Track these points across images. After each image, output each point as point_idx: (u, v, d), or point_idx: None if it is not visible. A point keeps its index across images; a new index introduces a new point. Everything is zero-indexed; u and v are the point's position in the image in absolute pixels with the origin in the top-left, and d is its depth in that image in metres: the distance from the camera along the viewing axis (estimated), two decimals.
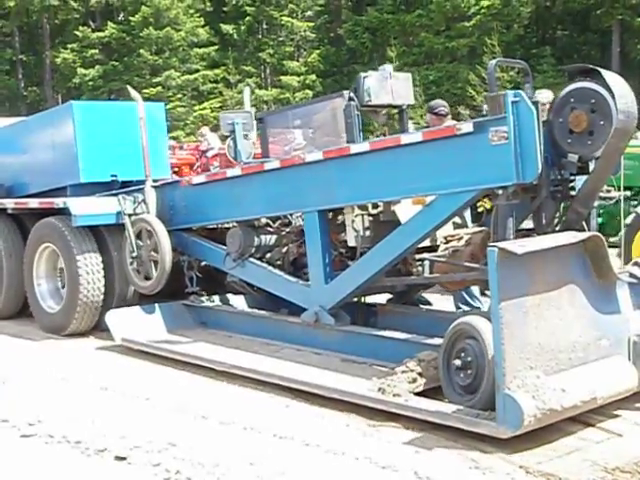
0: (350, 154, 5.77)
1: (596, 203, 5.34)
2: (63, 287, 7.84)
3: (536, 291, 4.42)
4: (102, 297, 7.55)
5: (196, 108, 42.68)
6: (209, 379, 5.71)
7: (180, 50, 42.42)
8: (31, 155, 8.93)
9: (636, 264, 5.18)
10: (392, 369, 5.05)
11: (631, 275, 5.01)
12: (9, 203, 8.50)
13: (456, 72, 39.68)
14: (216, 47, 43.58)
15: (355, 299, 6.46)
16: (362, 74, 6.14)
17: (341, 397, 4.97)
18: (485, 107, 5.59)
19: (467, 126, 5.08)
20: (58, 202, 7.72)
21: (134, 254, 7.24)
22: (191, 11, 42.77)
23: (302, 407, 5.06)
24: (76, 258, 7.43)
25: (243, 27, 44.58)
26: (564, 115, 4.95)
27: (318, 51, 44.92)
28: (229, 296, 7.62)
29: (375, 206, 6.20)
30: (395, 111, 6.68)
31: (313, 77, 43.06)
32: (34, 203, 8.18)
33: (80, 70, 42.13)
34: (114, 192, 7.72)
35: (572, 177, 5.17)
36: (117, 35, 42.64)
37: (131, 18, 41.77)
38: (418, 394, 4.83)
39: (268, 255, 6.94)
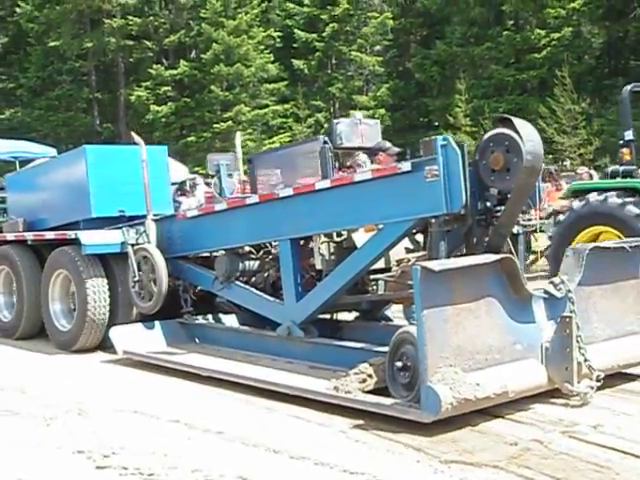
0: (315, 190, 6.62)
1: (520, 229, 6.37)
2: (74, 308, 8.66)
3: (456, 302, 5.15)
4: (107, 316, 8.38)
5: (266, 142, 43.11)
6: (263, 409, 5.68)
7: (250, 86, 43.02)
8: (49, 193, 9.82)
9: (552, 283, 5.88)
10: (347, 372, 5.81)
11: (545, 292, 5.77)
12: (29, 235, 9.46)
13: (526, 104, 39.34)
14: (286, 82, 44.08)
15: (328, 316, 7.38)
16: (334, 120, 7.08)
17: (302, 394, 5.84)
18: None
19: (406, 165, 5.91)
20: (70, 234, 8.63)
21: (136, 279, 8.06)
22: (261, 47, 43.39)
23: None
24: (85, 282, 8.32)
25: (313, 62, 45.03)
26: (486, 156, 5.82)
27: (387, 85, 45.09)
28: (221, 315, 8.48)
29: (339, 234, 7.04)
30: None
31: (382, 111, 43.18)
32: (50, 235, 9.11)
33: (153, 107, 43.02)
34: (120, 225, 8.56)
35: (495, 207, 5.93)
36: (189, 72, 43.48)
37: (203, 56, 42.55)
38: (370, 392, 5.58)
39: (253, 279, 7.77)
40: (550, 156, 33.19)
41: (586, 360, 5.58)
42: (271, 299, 7.32)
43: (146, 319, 8.22)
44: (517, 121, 5.80)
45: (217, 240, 7.80)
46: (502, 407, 5.36)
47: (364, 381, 5.68)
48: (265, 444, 4.83)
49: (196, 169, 37.23)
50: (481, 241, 6.06)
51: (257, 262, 7.79)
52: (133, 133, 8.85)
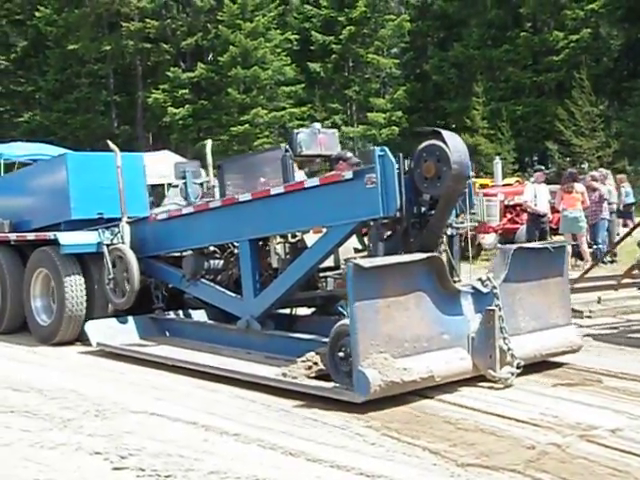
0: (270, 195, 7.24)
1: (454, 232, 6.90)
2: (54, 304, 9.19)
3: (386, 295, 5.72)
4: (84, 311, 8.96)
5: (283, 145, 43.06)
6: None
7: (267, 88, 43.09)
8: (33, 197, 10.40)
9: (480, 280, 6.44)
10: (295, 360, 6.39)
11: (473, 287, 6.37)
12: (12, 236, 10.01)
13: (544, 107, 39.25)
14: (303, 85, 44.12)
15: (287, 311, 8.02)
16: (295, 130, 7.69)
17: (254, 380, 6.43)
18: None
19: (349, 174, 6.55)
20: (50, 235, 9.19)
21: (110, 276, 8.65)
22: (278, 50, 43.45)
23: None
24: (63, 280, 8.91)
25: (329, 65, 45.09)
26: (420, 166, 6.38)
27: (404, 87, 45.09)
28: (191, 311, 9.06)
29: (294, 236, 7.69)
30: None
31: (399, 113, 43.20)
32: (31, 236, 9.69)
33: (170, 109, 43.16)
34: (97, 227, 9.10)
35: (428, 211, 6.58)
36: (206, 75, 43.61)
37: (220, 58, 42.67)
38: (316, 377, 6.16)
39: (219, 277, 8.34)
40: (568, 159, 33.06)
41: (509, 349, 6.21)
42: (232, 295, 7.91)
43: (120, 314, 8.83)
44: (446, 133, 6.41)
45: (184, 241, 8.43)
46: (519, 410, 5.38)
47: (310, 368, 6.28)
48: (283, 447, 4.83)
49: (213, 171, 37.41)
50: (416, 242, 6.57)
51: (221, 261, 8.37)
52: (109, 142, 9.47)
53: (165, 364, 7.30)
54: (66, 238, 8.97)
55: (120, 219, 8.80)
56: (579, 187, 15.01)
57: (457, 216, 7.06)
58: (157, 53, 46.03)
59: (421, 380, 5.77)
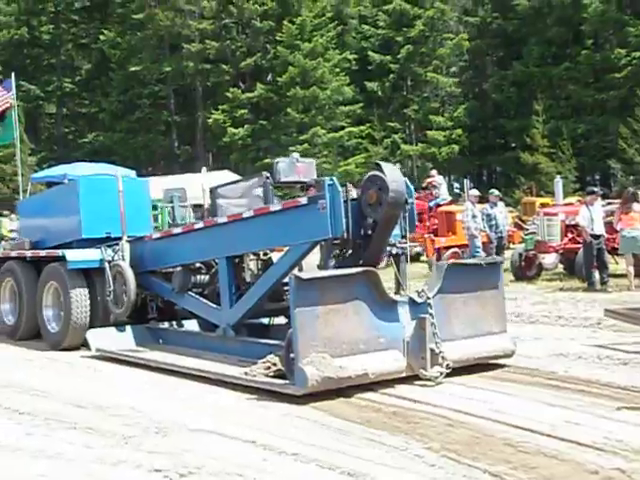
0: (243, 218, 8.22)
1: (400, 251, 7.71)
2: (62, 313, 10.13)
3: (325, 303, 6.55)
4: (88, 320, 9.89)
5: (341, 164, 43.21)
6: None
7: (326, 108, 43.24)
8: (50, 218, 11.36)
9: (416, 292, 7.27)
10: (256, 361, 7.31)
11: (410, 298, 7.20)
12: (28, 253, 11.06)
13: (606, 125, 38.66)
14: (361, 104, 44.18)
15: (266, 321, 8.96)
16: (275, 159, 8.53)
17: (220, 378, 7.37)
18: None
19: (304, 200, 7.52)
20: (58, 252, 10.24)
21: (111, 289, 9.69)
22: (337, 70, 43.61)
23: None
24: (69, 292, 9.87)
25: (388, 84, 45.09)
26: (365, 193, 7.30)
27: (464, 106, 44.87)
28: (184, 321, 9.94)
29: (265, 253, 8.91)
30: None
31: (459, 131, 42.96)
32: (43, 253, 10.71)
33: (230, 129, 43.58)
34: (99, 245, 10.02)
35: (371, 233, 7.41)
36: (265, 95, 43.96)
37: (279, 78, 42.99)
38: (276, 376, 7.00)
39: (206, 291, 9.32)
40: (632, 177, 32.50)
41: (440, 352, 7.02)
42: (213, 306, 8.86)
43: (119, 323, 9.83)
44: (386, 166, 7.42)
45: (174, 258, 9.44)
46: (582, 433, 5.28)
47: (269, 368, 7.15)
48: (341, 467, 4.81)
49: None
50: (361, 258, 7.44)
51: (207, 276, 9.40)
52: (114, 167, 10.65)
53: (223, 381, 7.39)
54: (72, 255, 9.99)
55: (121, 238, 9.90)
56: (636, 207, 14.74)
57: (403, 237, 7.91)
58: (217, 74, 46.56)
59: (355, 377, 6.60)
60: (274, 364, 7.20)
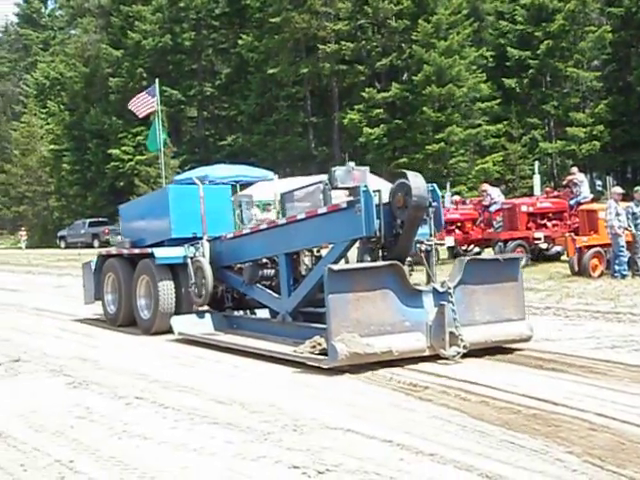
0: (297, 220, 9.48)
1: (429, 247, 8.65)
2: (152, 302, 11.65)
3: (356, 291, 7.73)
4: (173, 308, 11.38)
5: (478, 162, 42.67)
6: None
7: (462, 106, 42.82)
8: (146, 220, 12.95)
9: (442, 283, 8.31)
10: (305, 342, 8.47)
11: (434, 288, 8.23)
12: (125, 251, 12.64)
13: None
14: (498, 101, 43.49)
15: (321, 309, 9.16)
16: (332, 168, 9.28)
17: (275, 355, 8.63)
18: None
19: (344, 204, 8.63)
20: (149, 250, 11.69)
21: (192, 282, 11.12)
22: (473, 67, 43.10)
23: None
24: (158, 284, 11.37)
25: (526, 80, 44.19)
26: (394, 198, 8.47)
27: (605, 101, 43.40)
28: (257, 310, 11.31)
29: (318, 250, 10.02)
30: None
31: (600, 127, 41.62)
32: (137, 250, 12.26)
33: (366, 129, 43.74)
34: (185, 244, 11.41)
35: (400, 232, 8.50)
36: (401, 94, 43.90)
37: (414, 77, 42.83)
38: (320, 354, 8.08)
39: (272, 283, 10.49)
40: None
41: (459, 335, 7.99)
42: (275, 295, 10.12)
43: (200, 311, 11.35)
44: (410, 174, 8.47)
45: (244, 254, 10.76)
46: None
47: (314, 347, 8.30)
48: (479, 469, 4.75)
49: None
50: (391, 253, 8.54)
51: (273, 270, 10.49)
52: (194, 177, 12.47)
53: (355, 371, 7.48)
54: (160, 252, 11.45)
55: (202, 238, 11.33)
56: None
57: (431, 236, 8.76)
58: (352, 74, 46.84)
59: (381, 353, 7.72)
60: (319, 344, 8.29)
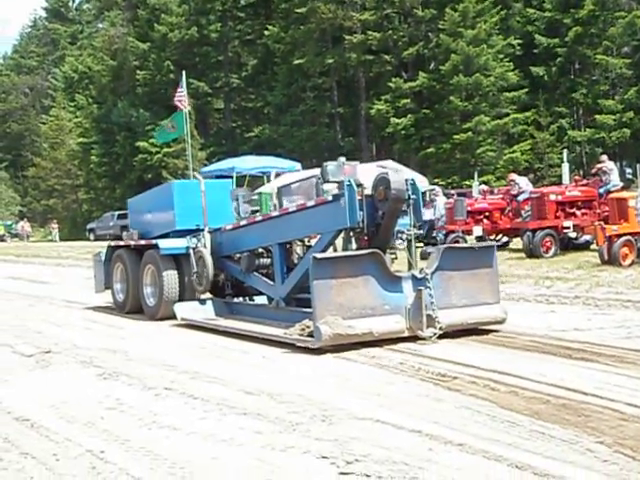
0: (289, 212, 10.27)
1: (411, 237, 9.34)
2: (157, 290, 12.43)
3: (339, 277, 8.35)
4: (177, 296, 12.14)
5: (506, 152, 42.40)
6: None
7: (490, 95, 42.57)
8: (152, 213, 13.75)
9: (421, 270, 8.99)
10: (294, 325, 9.15)
11: (412, 275, 8.89)
12: (131, 242, 13.50)
13: None
14: (526, 90, 43.17)
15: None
16: (325, 163, 9.57)
17: (263, 337, 9.40)
18: None
19: (330, 197, 9.33)
20: (153, 241, 12.55)
21: (194, 271, 11.88)
22: (500, 56, 42.82)
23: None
24: (162, 273, 12.16)
25: (554, 68, 43.82)
26: (376, 191, 9.11)
27: (636, 87, 42.89)
28: (255, 297, 12.05)
29: (309, 240, 10.78)
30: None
31: (630, 114, 41.18)
32: (143, 242, 13.07)
33: (393, 120, 43.64)
34: (187, 235, 12.22)
35: (380, 223, 9.19)
36: (428, 84, 43.74)
37: (441, 67, 42.65)
38: (309, 336, 8.66)
39: (268, 271, 11.10)
40: None
41: (435, 317, 8.66)
42: (270, 283, 10.80)
43: (202, 299, 12.07)
44: (390, 169, 9.69)
45: (242, 245, 11.48)
46: None
47: (303, 329, 8.91)
48: (508, 459, 4.74)
49: (435, 180, 37.42)
50: (374, 242, 9.19)
51: (268, 259, 11.15)
52: (195, 173, 13.59)
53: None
54: (164, 243, 12.28)
55: (204, 229, 11.99)
56: None
57: (413, 226, 9.35)
58: (379, 64, 46.71)
59: (362, 334, 8.35)
60: (308, 327, 8.85)
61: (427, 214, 24.87)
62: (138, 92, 56.70)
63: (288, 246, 10.73)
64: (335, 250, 10.18)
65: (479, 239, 22.26)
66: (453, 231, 21.21)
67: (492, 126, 41.87)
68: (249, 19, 58.03)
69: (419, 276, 8.87)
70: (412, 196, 9.18)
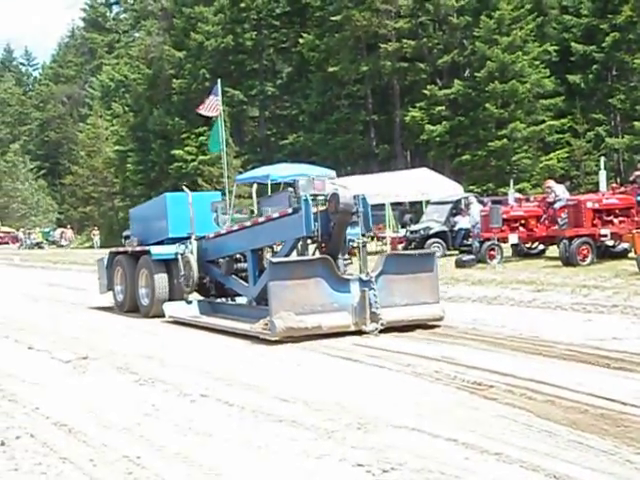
0: (259, 222, 11.83)
1: (361, 244, 10.73)
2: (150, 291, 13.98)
3: (293, 279, 9.78)
4: (167, 296, 13.63)
5: (542, 159, 42.09)
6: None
7: (525, 102, 42.27)
8: (149, 223, 15.44)
9: (366, 273, 10.28)
10: (259, 320, 10.33)
11: (359, 277, 10.22)
12: (129, 248, 15.21)
13: None
14: (562, 97, 42.82)
15: None
16: (297, 179, 11.30)
17: (236, 331, 10.81)
18: None
19: (290, 209, 10.85)
20: (146, 248, 14.16)
21: (182, 274, 13.26)
22: (536, 63, 42.50)
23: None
24: (154, 276, 13.71)
25: (591, 75, 43.42)
26: (330, 205, 10.36)
27: None
28: (237, 298, 13.34)
29: (277, 246, 12.05)
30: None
31: None
32: (138, 248, 14.69)
33: (428, 127, 43.49)
34: (176, 242, 13.71)
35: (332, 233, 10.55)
36: (463, 91, 43.54)
37: (476, 74, 42.46)
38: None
39: (245, 274, 12.32)
40: None
41: (378, 314, 9.97)
42: (245, 284, 12.25)
43: (188, 299, 13.32)
44: (340, 186, 11.15)
45: (222, 251, 12.90)
46: None
47: (266, 325, 9.97)
48: (546, 469, 4.69)
49: (471, 187, 37.24)
50: (326, 250, 10.54)
51: (245, 264, 12.29)
52: (184, 187, 15.29)
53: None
54: (155, 250, 13.85)
55: (191, 237, 13.35)
56: None
57: (363, 235, 10.74)
58: (414, 72, 46.63)
59: (312, 328, 9.72)
60: (268, 322, 9.93)
61: (462, 222, 24.80)
62: (174, 100, 57.08)
63: (260, 252, 12.08)
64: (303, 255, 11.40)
65: (515, 247, 22.11)
66: (489, 239, 21.05)
67: (528, 133, 41.56)
68: (284, 27, 58.21)
69: (365, 279, 10.20)
70: (360, 209, 10.46)
